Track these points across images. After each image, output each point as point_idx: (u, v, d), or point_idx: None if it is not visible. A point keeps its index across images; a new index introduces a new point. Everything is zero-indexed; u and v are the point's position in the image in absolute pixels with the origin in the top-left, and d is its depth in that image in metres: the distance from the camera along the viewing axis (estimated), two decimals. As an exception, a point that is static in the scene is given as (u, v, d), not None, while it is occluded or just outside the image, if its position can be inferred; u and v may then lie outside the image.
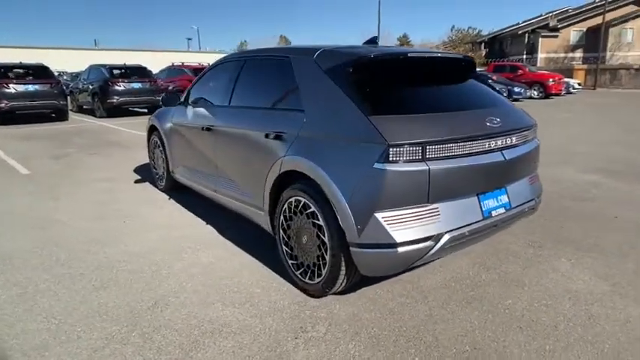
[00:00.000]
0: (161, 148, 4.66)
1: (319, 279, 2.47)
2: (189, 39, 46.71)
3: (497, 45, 44.69)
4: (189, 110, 3.96)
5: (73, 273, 2.93)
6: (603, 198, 4.43)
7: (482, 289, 2.64)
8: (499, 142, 2.39)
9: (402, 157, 2.09)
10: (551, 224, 3.67)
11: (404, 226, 2.14)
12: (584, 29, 35.65)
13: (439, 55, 2.85)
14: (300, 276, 2.63)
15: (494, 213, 2.43)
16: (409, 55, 2.49)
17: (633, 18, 32.85)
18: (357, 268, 2.30)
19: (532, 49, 38.22)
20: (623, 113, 13.29)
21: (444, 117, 2.33)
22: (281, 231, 2.75)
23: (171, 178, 4.58)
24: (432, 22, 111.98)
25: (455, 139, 2.19)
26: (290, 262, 2.71)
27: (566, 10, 39.99)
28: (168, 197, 4.64)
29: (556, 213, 3.94)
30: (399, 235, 2.12)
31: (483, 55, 44.39)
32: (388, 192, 2.10)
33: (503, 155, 2.41)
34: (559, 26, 36.64)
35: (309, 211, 2.46)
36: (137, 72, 13.66)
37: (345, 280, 2.40)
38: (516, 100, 17.23)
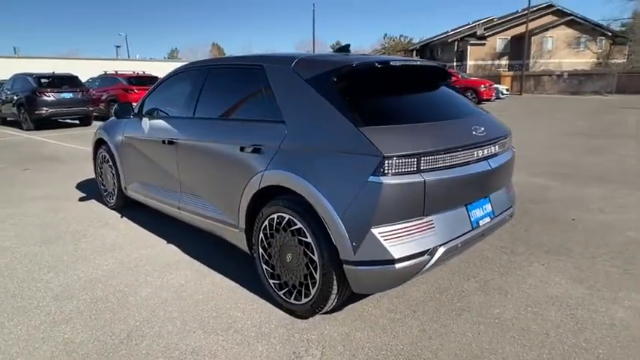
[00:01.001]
0: (110, 163, 4.29)
1: (307, 299, 2.34)
2: (118, 46, 44.34)
3: (429, 52, 46.77)
4: (145, 122, 3.67)
5: (27, 306, 2.58)
6: (557, 200, 4.68)
7: (468, 299, 2.65)
8: (485, 152, 2.41)
9: (398, 169, 2.03)
10: (515, 228, 3.79)
11: (401, 241, 2.07)
12: (509, 37, 38.38)
13: (419, 63, 2.84)
14: (283, 296, 2.49)
15: (481, 222, 2.44)
16: (391, 63, 2.45)
17: (553, 27, 35.88)
18: (350, 286, 2.20)
19: (462, 57, 40.46)
20: (554, 117, 14.36)
21: (433, 127, 2.30)
22: (261, 249, 2.59)
23: (122, 195, 4.22)
24: (364, 29, 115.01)
25: (447, 150, 2.17)
26: (272, 281, 2.55)
27: (492, 20, 42.80)
28: (120, 215, 4.27)
29: (518, 216, 4.09)
30: (396, 251, 2.05)
31: (417, 62, 46.33)
32: (384, 206, 2.02)
33: (489, 164, 2.43)
34: (486, 34, 39.13)
35: (294, 227, 2.33)
36: (67, 81, 12.66)
37: (336, 299, 2.30)
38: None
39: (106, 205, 4.56)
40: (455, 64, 39.19)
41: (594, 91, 27.59)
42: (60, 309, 2.55)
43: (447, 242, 2.21)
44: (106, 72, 15.84)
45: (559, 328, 2.33)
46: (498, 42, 38.66)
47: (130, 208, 4.34)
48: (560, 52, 36.13)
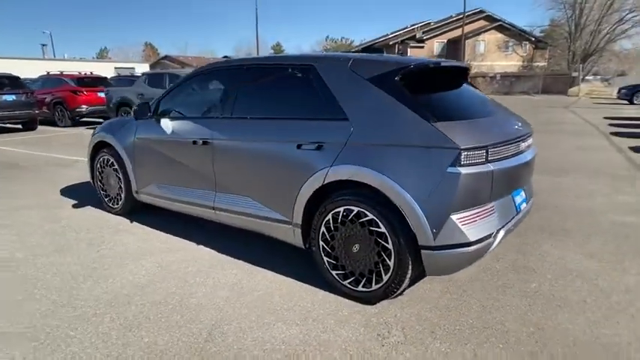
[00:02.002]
0: (116, 167, 4.13)
1: (379, 285, 2.50)
2: (44, 45, 40.95)
3: (372, 54, 48.23)
4: (166, 123, 3.59)
5: (83, 314, 2.49)
6: (536, 191, 5.17)
7: (505, 277, 2.94)
8: (524, 145, 2.70)
9: (471, 160, 2.25)
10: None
11: (474, 226, 2.30)
12: (445, 41, 40.65)
13: (458, 64, 3.07)
14: (349, 285, 2.62)
15: (521, 208, 2.73)
16: (442, 64, 2.66)
17: (484, 32, 38.55)
18: (426, 269, 2.39)
19: (404, 58, 42.18)
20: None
21: (489, 122, 2.55)
22: (322, 243, 2.70)
23: (131, 199, 4.09)
24: (303, 32, 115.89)
25: (505, 142, 2.43)
26: (335, 272, 2.67)
27: (429, 24, 45.01)
28: (130, 221, 4.13)
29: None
30: (471, 234, 2.28)
31: (360, 63, 47.59)
32: (461, 194, 2.24)
33: (526, 156, 2.72)
34: (424, 38, 41.16)
35: (364, 219, 2.47)
36: (9, 82, 11.62)
37: (408, 283, 2.47)
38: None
39: (109, 211, 4.37)
40: (396, 66, 40.62)
41: (523, 92, 30.08)
42: (122, 315, 2.49)
43: (505, 225, 2.48)
44: (48, 72, 14.73)
45: (591, 295, 2.68)
46: (436, 45, 40.79)
47: (136, 213, 4.22)
48: (491, 55, 38.85)
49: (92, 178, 4.55)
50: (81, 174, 6.14)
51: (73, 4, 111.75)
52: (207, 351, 2.16)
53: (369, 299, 2.58)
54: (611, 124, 12.06)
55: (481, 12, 40.02)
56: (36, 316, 2.47)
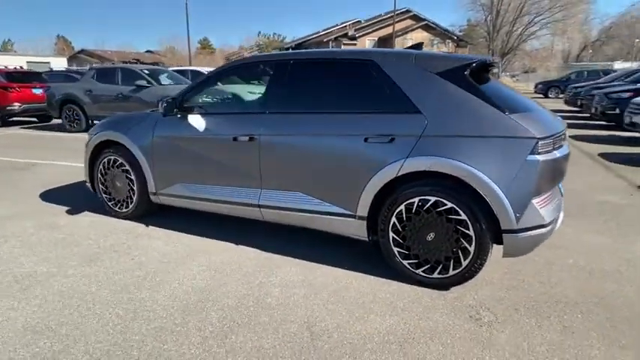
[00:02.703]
0: (126, 168, 3.84)
1: (456, 271, 2.62)
2: None
3: (304, 51, 48.50)
4: (196, 120, 3.40)
5: (163, 326, 2.33)
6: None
7: (543, 255, 3.19)
8: (566, 137, 2.97)
9: (544, 148, 2.46)
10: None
11: (547, 208, 2.52)
12: (376, 39, 42.02)
13: (496, 60, 3.26)
14: (423, 273, 2.71)
15: (562, 192, 3.01)
16: (489, 60, 2.82)
17: (412, 30, 40.44)
18: (504, 252, 2.55)
19: (337, 55, 42.95)
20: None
21: (539, 114, 2.75)
22: (392, 234, 2.76)
23: (146, 201, 3.83)
24: (229, 27, 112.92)
25: (560, 132, 2.66)
26: (406, 262, 2.75)
27: (359, 22, 46.23)
28: (145, 225, 3.86)
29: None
30: (547, 216, 2.49)
31: (293, 60, 47.57)
32: (539, 180, 2.44)
33: (568, 147, 2.99)
34: (357, 35, 42.16)
35: (442, 208, 2.58)
36: None
37: (484, 266, 2.62)
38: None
39: (114, 216, 4.04)
40: (329, 62, 41.29)
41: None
42: (206, 322, 2.36)
43: (561, 208, 2.72)
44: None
45: (620, 266, 3.03)
46: (367, 42, 41.98)
47: (148, 217, 3.96)
48: (419, 53, 40.92)
49: (91, 181, 4.16)
50: (45, 178, 5.62)
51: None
52: (321, 348, 2.14)
53: (444, 285, 2.70)
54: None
55: (408, 11, 41.88)
56: (111, 333, 2.26)
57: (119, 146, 3.86)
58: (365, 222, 2.86)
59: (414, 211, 2.67)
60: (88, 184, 4.21)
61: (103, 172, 4.04)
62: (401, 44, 40.15)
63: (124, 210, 3.99)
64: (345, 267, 3.00)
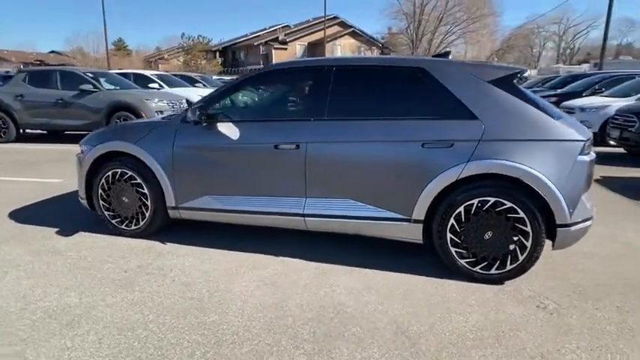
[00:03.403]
0: (138, 181, 3.53)
1: (513, 265, 2.81)
2: None
3: (231, 54, 47.53)
4: (228, 128, 3.24)
5: (255, 349, 2.20)
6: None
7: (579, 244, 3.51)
8: None
9: (587, 150, 2.75)
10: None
11: (590, 204, 2.80)
12: (306, 44, 42.56)
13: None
14: (481, 270, 2.86)
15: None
16: (526, 69, 3.07)
17: (340, 37, 41.63)
18: (555, 244, 2.78)
19: (267, 60, 42.73)
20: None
21: (572, 120, 3.04)
22: (449, 234, 2.87)
23: (162, 216, 3.56)
24: (146, 28, 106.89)
25: (590, 137, 2.96)
26: (463, 261, 2.88)
27: (288, 26, 46.46)
28: (161, 242, 3.58)
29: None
30: (592, 210, 2.77)
31: (220, 63, 46.40)
32: (587, 177, 2.72)
33: None
34: (287, 40, 42.35)
35: (501, 208, 2.74)
36: None
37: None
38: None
39: (120, 233, 3.69)
40: (262, 66, 41.07)
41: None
42: (296, 339, 2.28)
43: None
44: None
45: (624, 250, 3.45)
46: (298, 47, 42.37)
47: (161, 233, 3.69)
48: (347, 59, 42.22)
49: (87, 198, 3.76)
50: (1, 197, 4.94)
51: None
52: (427, 351, 2.18)
53: (500, 280, 2.87)
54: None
55: (335, 18, 42.97)
56: None
57: (127, 158, 3.55)
58: (421, 225, 2.94)
59: (472, 212, 2.81)
60: (84, 201, 3.81)
61: (105, 187, 3.67)
62: (330, 50, 41.12)
63: (133, 227, 3.66)
64: (399, 271, 3.05)
